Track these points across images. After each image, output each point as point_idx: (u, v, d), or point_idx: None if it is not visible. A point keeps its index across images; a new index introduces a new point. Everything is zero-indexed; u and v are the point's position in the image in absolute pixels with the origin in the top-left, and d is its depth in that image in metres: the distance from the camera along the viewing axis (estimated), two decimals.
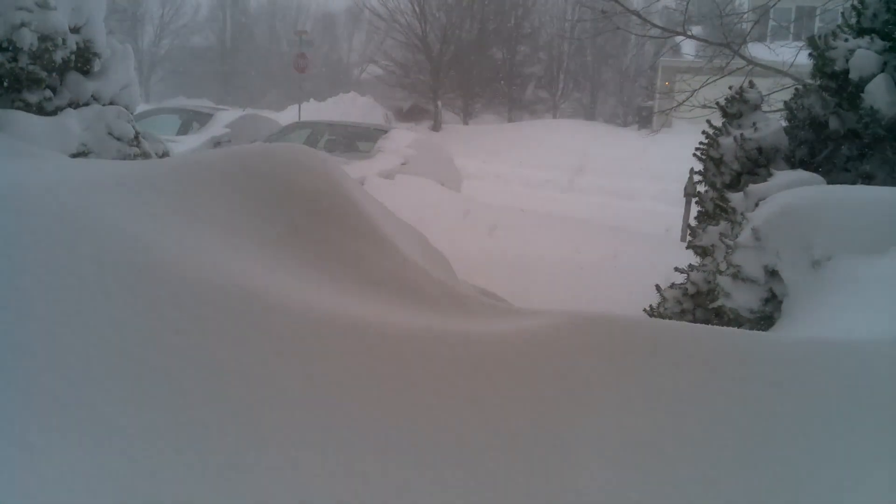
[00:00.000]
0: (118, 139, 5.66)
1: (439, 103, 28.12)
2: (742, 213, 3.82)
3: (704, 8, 10.61)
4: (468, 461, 1.92)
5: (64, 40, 5.42)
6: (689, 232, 4.91)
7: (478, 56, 29.84)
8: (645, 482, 1.89)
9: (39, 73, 5.39)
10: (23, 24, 5.13)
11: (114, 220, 2.38)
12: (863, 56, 4.44)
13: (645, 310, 4.70)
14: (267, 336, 2.14)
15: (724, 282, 3.57)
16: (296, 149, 3.12)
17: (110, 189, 2.58)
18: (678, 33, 9.64)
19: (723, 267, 3.66)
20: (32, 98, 5.43)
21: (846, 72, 4.53)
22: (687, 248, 4.81)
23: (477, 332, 2.33)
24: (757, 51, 9.22)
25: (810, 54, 4.92)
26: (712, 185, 4.83)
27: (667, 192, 15.78)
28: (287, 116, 21.12)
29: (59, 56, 5.44)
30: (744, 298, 3.47)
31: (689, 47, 13.45)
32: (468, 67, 29.42)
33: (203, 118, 13.97)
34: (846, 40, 4.69)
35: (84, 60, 5.80)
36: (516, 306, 2.96)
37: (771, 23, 10.94)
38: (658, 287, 4.65)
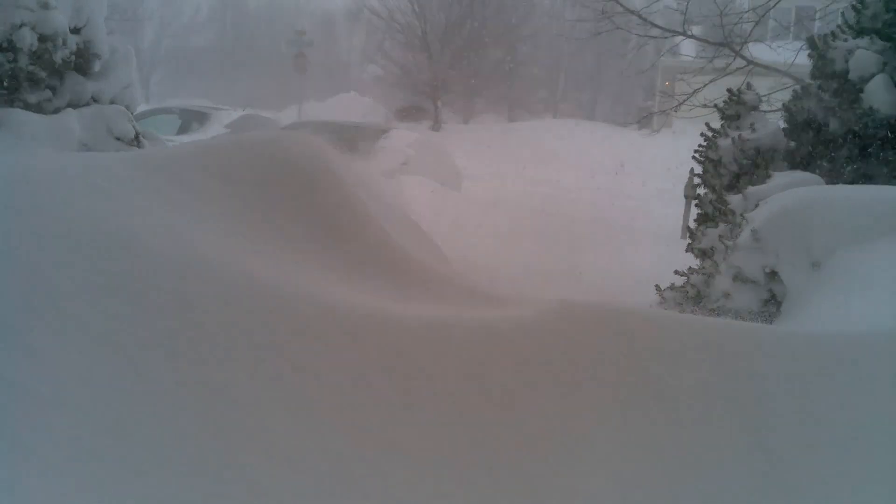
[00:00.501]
0: (118, 139, 5.66)
1: (439, 103, 28.10)
2: (741, 215, 3.82)
3: (704, 8, 10.60)
4: (459, 455, 1.92)
5: (64, 41, 5.42)
6: (688, 234, 4.91)
7: (478, 56, 29.81)
8: (644, 481, 1.89)
9: (39, 73, 5.39)
10: (23, 25, 5.13)
11: (105, 213, 2.39)
12: (863, 57, 4.44)
13: None
14: (264, 328, 2.14)
15: (724, 283, 3.57)
16: (292, 137, 3.12)
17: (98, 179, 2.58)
18: (678, 33, 9.63)
19: (722, 268, 3.67)
20: (32, 98, 5.43)
21: (846, 72, 4.53)
22: (687, 251, 4.81)
23: (467, 319, 2.33)
24: (757, 51, 9.21)
25: (809, 55, 4.92)
26: (711, 187, 4.83)
27: (667, 191, 15.77)
28: (287, 116, 21.10)
29: (59, 56, 5.44)
30: (743, 299, 3.47)
31: (689, 47, 13.44)
32: (468, 67, 29.39)
33: (203, 118, 13.98)
34: (846, 41, 4.69)
35: (84, 61, 5.80)
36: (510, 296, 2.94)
37: (771, 23, 10.92)
38: (658, 287, 4.65)
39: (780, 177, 3.98)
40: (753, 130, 4.58)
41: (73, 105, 5.75)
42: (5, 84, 5.31)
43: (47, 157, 3.11)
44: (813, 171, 4.54)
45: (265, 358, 2.07)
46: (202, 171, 2.78)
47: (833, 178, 4.52)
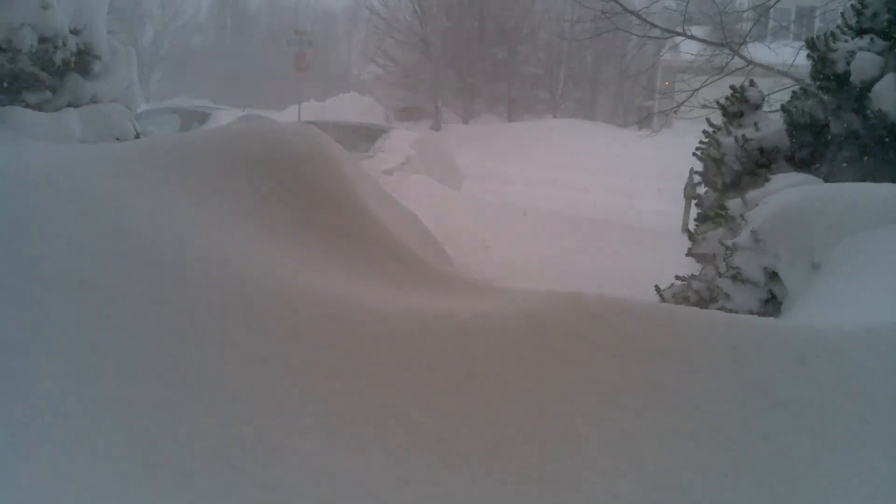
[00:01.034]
0: (118, 138, 5.66)
1: (439, 103, 28.08)
2: (741, 215, 3.81)
3: (704, 8, 10.60)
4: (451, 447, 1.92)
5: (64, 42, 5.42)
6: (688, 236, 4.90)
7: (478, 56, 29.79)
8: (642, 479, 1.89)
9: (39, 73, 5.39)
10: (23, 26, 5.13)
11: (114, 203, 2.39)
12: (865, 58, 4.42)
13: None
14: (261, 320, 2.14)
15: (724, 284, 3.57)
16: (292, 128, 3.12)
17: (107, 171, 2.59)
18: (678, 33, 9.62)
19: (722, 269, 3.66)
20: (32, 99, 5.43)
21: (847, 74, 4.52)
22: (687, 255, 4.80)
23: (462, 311, 2.33)
24: (757, 51, 9.20)
25: (809, 56, 4.91)
26: (713, 186, 4.81)
27: (667, 190, 15.77)
28: (287, 116, 21.10)
29: (59, 57, 5.44)
30: (743, 300, 3.47)
31: (689, 47, 13.43)
32: (468, 67, 29.37)
33: (203, 118, 13.99)
34: (846, 42, 4.68)
35: (84, 62, 5.81)
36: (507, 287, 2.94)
37: (771, 22, 10.91)
38: (657, 288, 4.65)
39: (778, 180, 3.97)
40: (757, 129, 4.56)
41: (73, 106, 5.75)
42: (5, 85, 5.31)
43: (44, 150, 3.12)
44: (813, 173, 4.53)
45: (259, 353, 2.07)
46: (199, 161, 2.78)
47: (833, 180, 4.50)
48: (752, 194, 3.97)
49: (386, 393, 2.04)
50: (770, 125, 4.63)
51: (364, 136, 13.08)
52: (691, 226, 5.11)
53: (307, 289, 2.31)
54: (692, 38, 9.75)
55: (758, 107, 4.81)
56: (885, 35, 4.61)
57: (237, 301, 2.19)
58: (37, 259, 2.13)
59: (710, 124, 4.96)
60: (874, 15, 4.79)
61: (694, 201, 5.30)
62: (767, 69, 8.51)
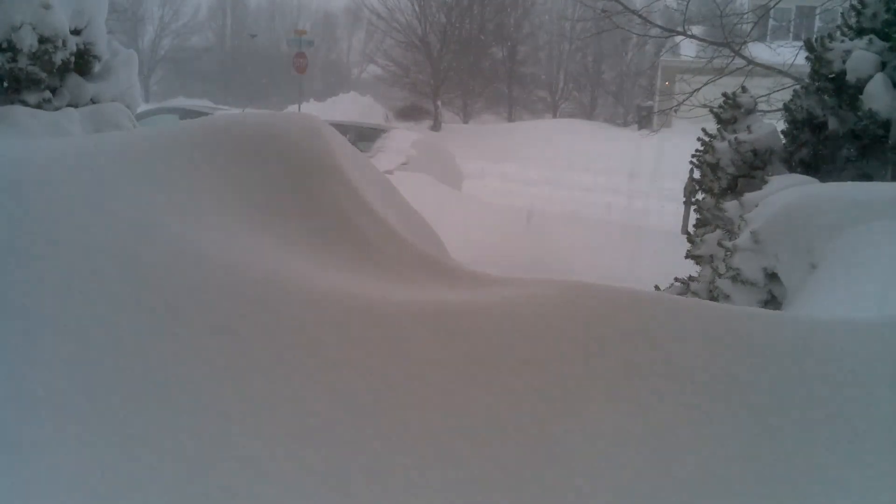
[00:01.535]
0: None
1: (439, 103, 28.10)
2: (741, 217, 3.82)
3: (705, 8, 10.61)
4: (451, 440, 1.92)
5: (64, 42, 5.42)
6: (687, 238, 4.91)
7: (478, 56, 29.82)
8: (641, 476, 1.89)
9: (39, 73, 5.39)
10: (23, 26, 5.14)
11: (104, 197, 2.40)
12: (860, 58, 4.43)
13: None
14: (260, 313, 2.14)
15: (724, 285, 3.57)
16: (291, 116, 3.11)
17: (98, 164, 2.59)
18: (678, 33, 9.63)
19: (722, 270, 3.66)
20: (32, 99, 5.43)
21: (844, 73, 4.53)
22: (687, 257, 4.80)
23: (460, 302, 2.34)
24: (757, 51, 9.21)
25: (807, 57, 4.92)
26: (709, 191, 4.83)
27: (667, 190, 15.78)
28: None
29: (58, 58, 5.44)
30: (743, 301, 3.47)
31: (689, 47, 13.46)
32: (468, 67, 29.40)
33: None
34: (843, 41, 4.69)
35: (84, 62, 5.81)
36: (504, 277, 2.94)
37: (771, 22, 10.93)
38: (657, 288, 4.65)
39: (776, 182, 3.98)
40: (750, 132, 4.58)
41: (73, 106, 5.76)
42: (5, 84, 5.31)
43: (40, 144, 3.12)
44: (813, 172, 4.54)
45: (256, 349, 2.07)
46: (194, 150, 2.78)
47: (833, 178, 4.51)
48: (748, 196, 3.98)
49: (384, 387, 2.04)
50: (763, 128, 4.65)
51: (364, 136, 13.11)
52: (691, 227, 5.12)
53: (323, 287, 2.31)
54: (693, 37, 9.77)
55: (750, 111, 4.83)
56: (884, 35, 4.62)
57: (256, 301, 2.18)
58: (40, 255, 2.13)
59: (706, 132, 4.99)
60: (874, 15, 4.80)
61: (693, 207, 5.31)
62: (768, 69, 8.53)
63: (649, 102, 26.69)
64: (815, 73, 4.80)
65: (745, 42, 8.83)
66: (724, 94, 4.98)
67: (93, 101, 5.84)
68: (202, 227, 2.46)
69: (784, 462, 1.93)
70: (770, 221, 3.36)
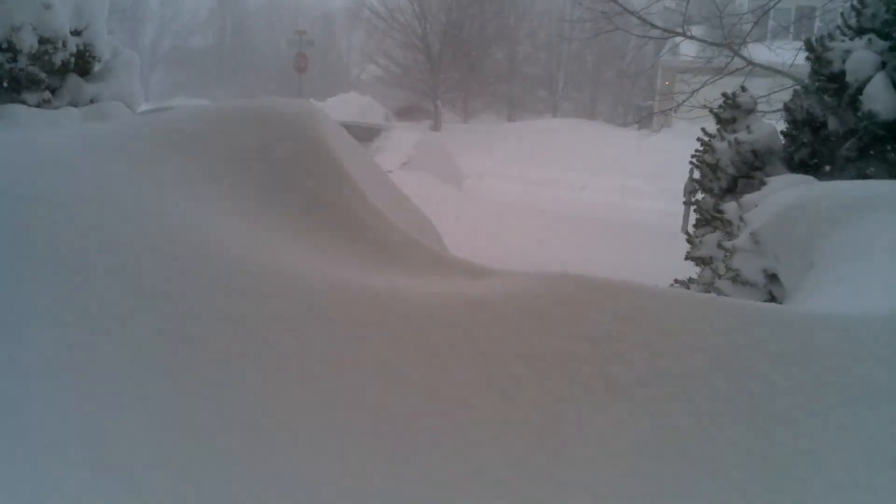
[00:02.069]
0: None
1: (439, 103, 28.08)
2: (740, 218, 3.82)
3: (704, 8, 10.60)
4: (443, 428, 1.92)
5: (64, 43, 5.43)
6: (686, 240, 4.91)
7: (478, 56, 29.80)
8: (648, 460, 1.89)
9: (39, 74, 5.40)
10: (23, 26, 5.14)
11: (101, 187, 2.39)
12: (859, 58, 4.43)
13: None
14: (256, 302, 2.14)
15: (724, 286, 3.57)
16: (288, 103, 3.10)
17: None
18: (678, 34, 9.62)
19: (721, 271, 3.66)
20: (32, 99, 5.44)
21: (843, 73, 4.53)
22: (686, 259, 4.80)
23: (452, 293, 2.34)
24: (757, 51, 9.20)
25: (807, 57, 4.92)
26: (709, 191, 4.83)
27: (667, 190, 15.77)
28: None
29: (58, 58, 5.44)
30: None
31: (689, 47, 13.44)
32: (468, 67, 29.38)
33: None
34: (842, 41, 4.69)
35: (84, 63, 5.81)
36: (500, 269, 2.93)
37: (771, 23, 10.92)
38: None
39: (776, 181, 3.97)
40: (749, 132, 4.58)
41: (73, 106, 5.76)
42: (5, 84, 5.31)
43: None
44: (813, 172, 4.54)
45: (246, 336, 2.06)
46: (188, 138, 2.78)
47: (833, 178, 4.51)
48: (747, 198, 3.98)
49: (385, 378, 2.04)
50: (762, 128, 4.65)
51: (364, 136, 13.12)
52: (691, 227, 5.12)
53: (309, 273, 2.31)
54: (692, 38, 9.75)
55: (750, 111, 4.83)
56: (884, 35, 4.62)
57: (266, 293, 2.18)
58: (45, 244, 2.13)
59: (705, 133, 4.98)
60: (874, 15, 4.81)
61: (693, 207, 5.31)
62: (767, 69, 8.51)
63: (649, 102, 26.67)
64: (814, 74, 4.80)
65: (744, 42, 8.82)
66: (724, 95, 4.98)
67: (92, 102, 5.85)
68: (200, 213, 2.45)
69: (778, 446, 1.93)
70: (770, 221, 3.36)
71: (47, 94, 5.54)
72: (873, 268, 2.79)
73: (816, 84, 4.78)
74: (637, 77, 28.89)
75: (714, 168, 4.68)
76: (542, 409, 2.02)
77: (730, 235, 3.93)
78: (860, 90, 4.37)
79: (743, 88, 5.00)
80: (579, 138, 23.76)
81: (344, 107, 25.82)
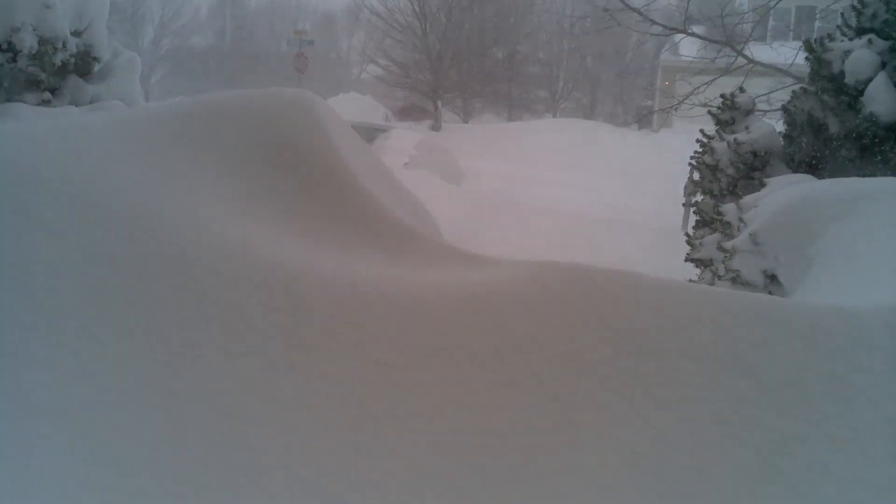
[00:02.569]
0: None
1: (439, 103, 28.08)
2: (740, 218, 3.81)
3: (705, 8, 10.61)
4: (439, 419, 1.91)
5: (64, 43, 5.43)
6: (686, 241, 4.91)
7: (478, 56, 29.80)
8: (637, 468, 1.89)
9: (39, 74, 5.40)
10: (24, 26, 5.14)
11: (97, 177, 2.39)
12: (859, 59, 4.43)
13: None
14: (252, 293, 2.13)
15: (724, 287, 3.56)
16: (280, 94, 3.09)
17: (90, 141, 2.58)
18: (679, 30, 9.63)
19: (721, 272, 3.66)
20: (32, 99, 5.44)
21: (843, 73, 4.53)
22: (686, 260, 4.80)
23: (447, 282, 2.33)
24: (758, 50, 9.21)
25: (807, 57, 4.92)
26: (709, 192, 4.82)
27: (667, 189, 15.76)
28: None
29: (58, 59, 5.44)
30: None
31: (689, 47, 13.44)
32: (468, 67, 29.38)
33: None
34: (842, 41, 4.69)
35: (84, 63, 5.82)
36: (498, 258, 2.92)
37: (771, 22, 10.92)
38: None
39: (775, 182, 3.97)
40: (749, 132, 4.58)
41: (74, 106, 5.76)
42: (5, 85, 5.32)
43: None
44: (813, 173, 4.53)
45: (243, 331, 2.06)
46: (181, 126, 2.77)
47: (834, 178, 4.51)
48: (746, 199, 3.97)
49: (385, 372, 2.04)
50: (761, 128, 4.65)
51: (366, 136, 13.13)
52: (691, 228, 5.12)
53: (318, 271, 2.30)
54: (693, 35, 9.76)
55: (749, 112, 4.82)
56: (884, 35, 4.61)
57: (262, 292, 2.17)
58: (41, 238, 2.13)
59: (704, 134, 4.98)
60: (874, 15, 4.80)
61: (692, 208, 5.30)
62: (768, 68, 8.52)
63: (649, 102, 26.67)
64: (814, 74, 4.79)
65: (745, 42, 8.83)
66: (723, 95, 4.97)
67: (93, 102, 5.85)
68: (198, 207, 2.44)
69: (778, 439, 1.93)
70: (769, 221, 3.36)
71: (47, 95, 5.55)
72: (875, 260, 2.78)
73: (816, 84, 4.77)
74: (637, 77, 28.91)
75: (713, 169, 4.67)
76: (543, 405, 2.01)
77: (729, 237, 3.93)
78: (860, 91, 4.36)
79: (742, 89, 5.00)
80: (579, 138, 23.76)
81: (344, 107, 25.80)
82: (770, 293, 3.38)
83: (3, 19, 5.12)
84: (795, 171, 4.61)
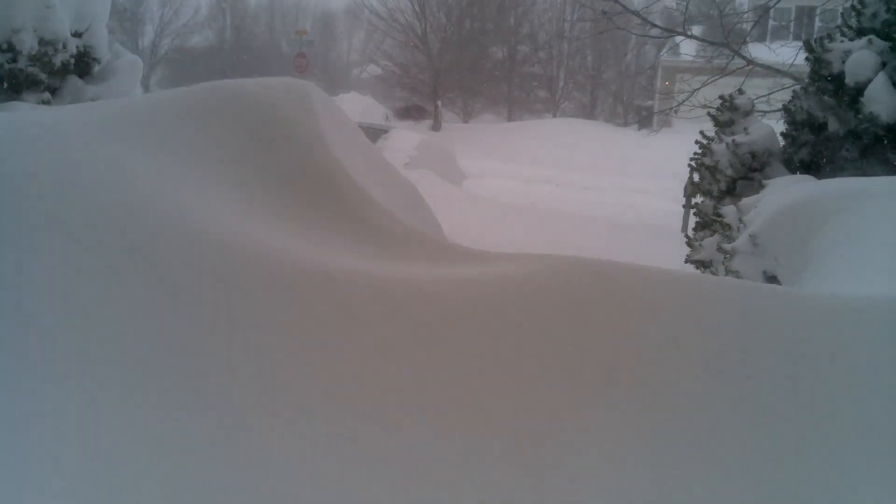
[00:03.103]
0: None
1: (439, 103, 28.09)
2: (740, 219, 3.81)
3: (704, 8, 10.61)
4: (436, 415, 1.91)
5: (64, 44, 5.43)
6: (686, 243, 4.91)
7: (478, 56, 29.81)
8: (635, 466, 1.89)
9: (39, 75, 5.40)
10: (24, 27, 5.14)
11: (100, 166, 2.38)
12: (859, 59, 4.43)
13: None
14: (249, 287, 2.13)
15: None
16: (276, 83, 3.08)
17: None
18: (678, 33, 9.63)
19: (721, 273, 3.66)
20: (32, 99, 5.44)
21: (843, 73, 4.53)
22: (686, 262, 4.80)
23: (447, 278, 2.33)
24: (757, 51, 9.21)
25: (807, 58, 4.92)
26: (708, 194, 4.83)
27: (667, 190, 15.76)
28: None
29: (58, 59, 5.44)
30: None
31: (689, 47, 13.45)
32: (468, 67, 29.39)
33: None
34: (842, 42, 4.69)
35: (84, 64, 5.82)
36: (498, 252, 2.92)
37: (771, 22, 10.93)
38: None
39: (774, 183, 3.97)
40: (747, 133, 4.58)
41: None
42: (5, 85, 5.32)
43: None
44: (813, 173, 4.54)
45: (239, 319, 2.06)
46: (177, 118, 2.76)
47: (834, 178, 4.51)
48: (745, 200, 3.98)
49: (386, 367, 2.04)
50: (760, 129, 4.65)
51: (368, 137, 13.14)
52: (690, 229, 5.12)
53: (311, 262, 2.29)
54: (693, 37, 9.76)
55: (748, 113, 4.83)
56: (884, 35, 4.62)
57: (259, 284, 2.17)
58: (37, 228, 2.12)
59: (703, 135, 4.99)
60: (874, 15, 4.80)
61: (692, 210, 5.31)
62: (767, 69, 8.52)
63: (649, 102, 26.69)
64: (814, 74, 4.80)
65: (745, 42, 8.83)
66: (721, 97, 4.98)
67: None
68: (192, 199, 2.43)
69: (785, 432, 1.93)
70: (768, 222, 3.36)
71: (47, 95, 5.55)
72: (874, 254, 2.79)
73: (816, 85, 4.77)
74: (637, 77, 28.91)
75: (713, 170, 4.68)
76: (543, 401, 2.01)
77: (729, 238, 3.93)
78: (860, 91, 4.36)
79: (740, 91, 5.00)
80: (579, 138, 23.77)
81: (344, 107, 25.78)
82: None
83: (3, 20, 5.12)
84: (795, 171, 4.61)
